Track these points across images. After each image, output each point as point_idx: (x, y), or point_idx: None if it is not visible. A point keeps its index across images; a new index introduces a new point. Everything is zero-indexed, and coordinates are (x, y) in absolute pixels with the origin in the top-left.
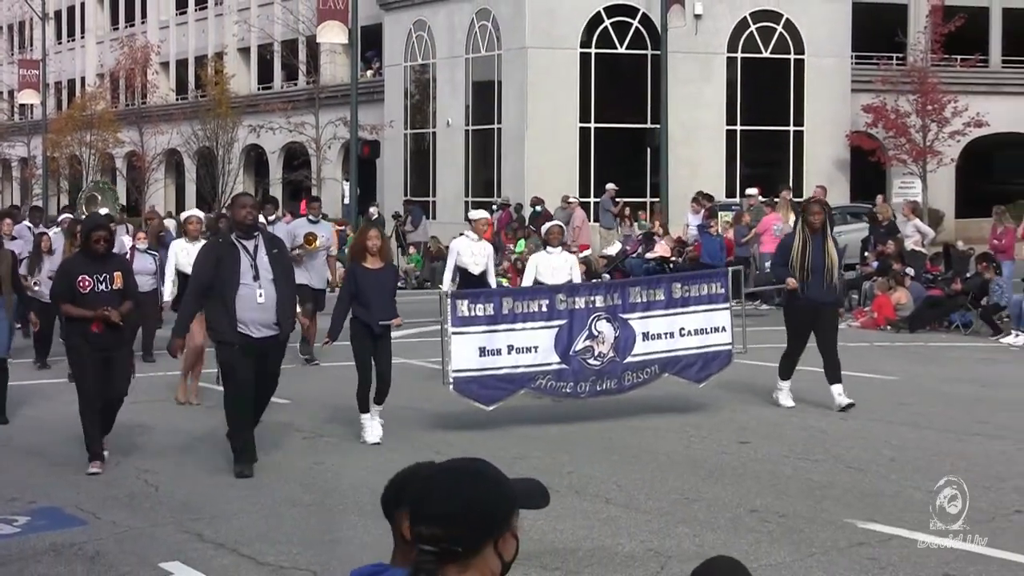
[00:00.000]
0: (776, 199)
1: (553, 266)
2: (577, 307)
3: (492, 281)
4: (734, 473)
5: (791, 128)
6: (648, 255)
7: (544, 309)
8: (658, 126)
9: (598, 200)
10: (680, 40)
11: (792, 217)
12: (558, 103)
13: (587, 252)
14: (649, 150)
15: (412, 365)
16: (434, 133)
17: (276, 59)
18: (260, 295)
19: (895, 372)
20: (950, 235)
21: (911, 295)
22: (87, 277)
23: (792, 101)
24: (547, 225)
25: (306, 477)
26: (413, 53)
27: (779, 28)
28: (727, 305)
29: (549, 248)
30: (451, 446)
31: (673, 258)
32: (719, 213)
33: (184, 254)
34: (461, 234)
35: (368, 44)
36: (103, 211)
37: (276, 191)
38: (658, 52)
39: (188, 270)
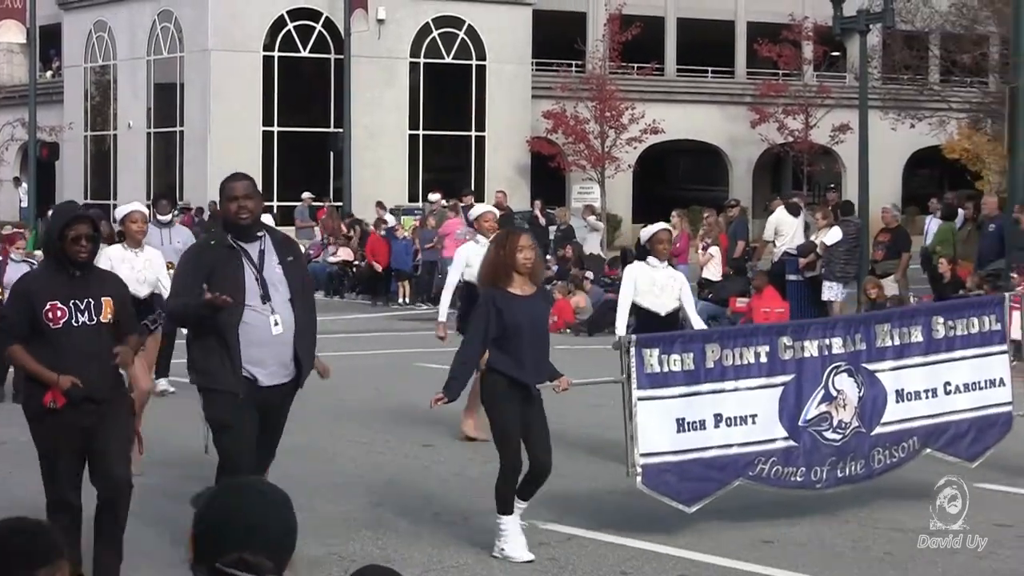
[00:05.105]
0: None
1: (658, 284)
2: (807, 355)
3: None
4: (419, 477)
5: (473, 133)
6: (331, 259)
7: (764, 359)
8: (341, 130)
9: (287, 204)
10: (363, 44)
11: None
12: (241, 106)
13: None
14: (333, 154)
15: None
16: (115, 135)
17: None
18: (276, 323)
19: (580, 375)
20: (627, 240)
21: (590, 299)
22: (59, 305)
23: (474, 106)
24: (650, 230)
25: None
26: (93, 54)
27: (461, 34)
28: (1004, 347)
29: (652, 260)
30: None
31: (356, 262)
32: (403, 217)
33: (126, 266)
34: (467, 239)
35: (47, 44)
36: None
37: None
38: (341, 56)
39: (132, 288)
